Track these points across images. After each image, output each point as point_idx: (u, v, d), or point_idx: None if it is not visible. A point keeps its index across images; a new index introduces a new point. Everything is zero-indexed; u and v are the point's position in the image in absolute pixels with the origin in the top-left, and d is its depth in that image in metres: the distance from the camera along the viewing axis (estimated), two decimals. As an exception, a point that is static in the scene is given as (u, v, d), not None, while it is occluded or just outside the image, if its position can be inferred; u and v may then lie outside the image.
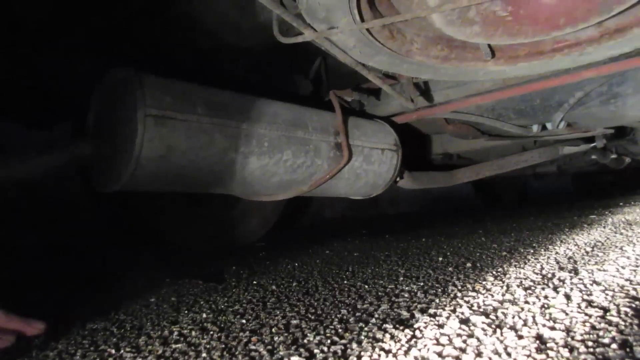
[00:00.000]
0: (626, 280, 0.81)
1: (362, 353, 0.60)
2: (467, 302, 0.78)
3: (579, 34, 1.06)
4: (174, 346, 0.69)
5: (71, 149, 0.99)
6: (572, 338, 0.57)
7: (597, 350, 0.53)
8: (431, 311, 0.74)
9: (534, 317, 0.67)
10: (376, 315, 0.75)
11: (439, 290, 0.87)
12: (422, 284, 0.94)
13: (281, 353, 0.63)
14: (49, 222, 2.08)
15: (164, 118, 0.94)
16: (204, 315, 0.84)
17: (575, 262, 1.00)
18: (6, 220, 1.97)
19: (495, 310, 0.72)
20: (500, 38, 1.01)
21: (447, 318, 0.70)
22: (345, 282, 1.03)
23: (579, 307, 0.69)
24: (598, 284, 0.80)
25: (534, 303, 0.73)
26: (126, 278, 1.35)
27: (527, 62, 1.14)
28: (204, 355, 0.64)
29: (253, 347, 0.66)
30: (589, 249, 1.13)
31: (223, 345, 0.67)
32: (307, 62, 1.59)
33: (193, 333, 0.74)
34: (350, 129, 1.29)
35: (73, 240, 2.07)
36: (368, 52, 1.09)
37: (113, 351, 0.69)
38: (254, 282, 1.11)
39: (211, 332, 0.74)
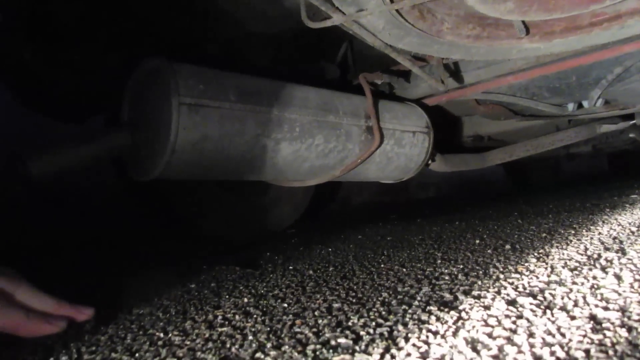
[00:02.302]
0: (678, 259, 0.78)
1: (410, 335, 0.59)
2: (512, 283, 0.76)
3: (619, 6, 1.01)
4: (220, 329, 0.70)
5: (109, 140, 1.01)
6: (629, 318, 0.55)
7: (657, 329, 0.51)
8: (475, 293, 0.73)
9: (584, 297, 0.65)
10: (418, 298, 0.75)
11: (480, 272, 0.86)
12: (461, 266, 0.93)
13: (327, 335, 0.63)
14: (81, 212, 2.14)
15: (197, 106, 0.94)
16: (245, 300, 0.85)
17: (621, 242, 0.97)
18: (43, 211, 2.04)
19: (542, 291, 0.70)
20: (536, 14, 0.97)
21: (493, 300, 0.69)
22: (382, 265, 1.03)
23: (632, 287, 0.67)
24: (649, 263, 0.77)
25: (582, 284, 0.71)
26: (163, 266, 1.37)
27: (563, 38, 1.10)
28: (250, 338, 0.65)
29: (298, 330, 0.66)
30: (634, 229, 1.09)
31: (268, 329, 0.68)
32: (333, 46, 1.57)
33: (237, 317, 0.75)
34: (380, 112, 1.27)
35: (106, 230, 2.12)
36: (397, 34, 1.07)
37: (162, 335, 0.70)
38: (290, 268, 1.11)
39: (255, 316, 0.75)
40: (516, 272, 0.83)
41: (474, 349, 0.53)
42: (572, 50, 1.23)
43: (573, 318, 0.58)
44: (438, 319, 0.64)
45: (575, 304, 0.63)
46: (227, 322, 0.73)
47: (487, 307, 0.66)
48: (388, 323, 0.65)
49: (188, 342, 0.66)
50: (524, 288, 0.73)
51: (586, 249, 0.94)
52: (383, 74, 1.43)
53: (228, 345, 0.63)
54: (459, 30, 1.09)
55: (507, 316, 0.61)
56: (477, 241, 1.18)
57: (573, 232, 1.15)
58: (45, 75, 1.42)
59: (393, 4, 0.91)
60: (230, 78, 1.04)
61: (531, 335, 0.54)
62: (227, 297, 0.89)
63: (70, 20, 1.29)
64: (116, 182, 1.70)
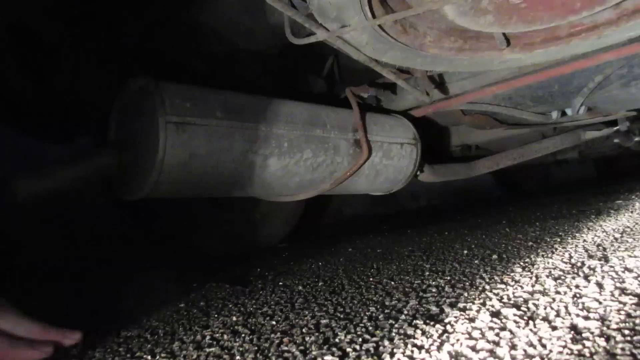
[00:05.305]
0: (659, 265, 0.79)
1: (395, 350, 0.60)
2: (497, 294, 0.77)
3: (596, 17, 1.04)
4: (207, 350, 0.70)
5: (95, 160, 1.01)
6: (608, 327, 0.56)
7: (635, 338, 0.52)
8: (461, 305, 0.74)
9: (566, 307, 0.66)
10: (405, 312, 0.75)
11: (467, 283, 0.87)
12: (448, 278, 0.93)
13: (314, 353, 0.63)
14: (70, 230, 2.12)
15: (184, 124, 0.95)
16: (234, 319, 0.85)
17: (604, 249, 0.98)
18: (30, 231, 2.02)
19: (526, 301, 0.71)
20: (515, 26, 1.00)
21: (478, 312, 0.70)
22: (371, 279, 1.03)
23: (612, 295, 0.68)
24: (630, 270, 0.79)
25: (565, 293, 0.72)
26: (153, 284, 1.37)
27: (543, 48, 1.12)
28: (237, 358, 0.65)
29: (285, 348, 0.66)
30: (617, 235, 1.10)
31: (256, 348, 0.68)
32: (319, 61, 1.59)
33: (225, 336, 0.75)
34: (368, 124, 1.29)
35: (95, 248, 2.11)
36: (381, 48, 1.09)
37: (149, 357, 0.70)
38: (280, 284, 1.12)
39: (243, 335, 0.75)
40: (502, 282, 0.84)
41: (457, 363, 0.53)
42: (553, 60, 1.25)
43: (554, 328, 0.59)
44: (423, 332, 0.64)
45: (557, 314, 0.63)
46: (215, 342, 0.73)
47: (472, 320, 0.66)
48: (374, 338, 0.65)
49: (175, 364, 0.66)
50: (509, 299, 0.74)
51: (570, 257, 0.95)
52: (369, 87, 1.45)
53: (215, 366, 0.63)
54: (442, 43, 1.11)
55: (491, 328, 0.62)
56: (465, 251, 1.19)
57: (559, 240, 1.16)
58: (32, 96, 1.43)
59: (375, 20, 0.93)
60: (216, 95, 1.05)
61: (513, 347, 0.55)
62: (216, 316, 0.89)
63: (54, 41, 1.30)
64: (105, 199, 1.69)
